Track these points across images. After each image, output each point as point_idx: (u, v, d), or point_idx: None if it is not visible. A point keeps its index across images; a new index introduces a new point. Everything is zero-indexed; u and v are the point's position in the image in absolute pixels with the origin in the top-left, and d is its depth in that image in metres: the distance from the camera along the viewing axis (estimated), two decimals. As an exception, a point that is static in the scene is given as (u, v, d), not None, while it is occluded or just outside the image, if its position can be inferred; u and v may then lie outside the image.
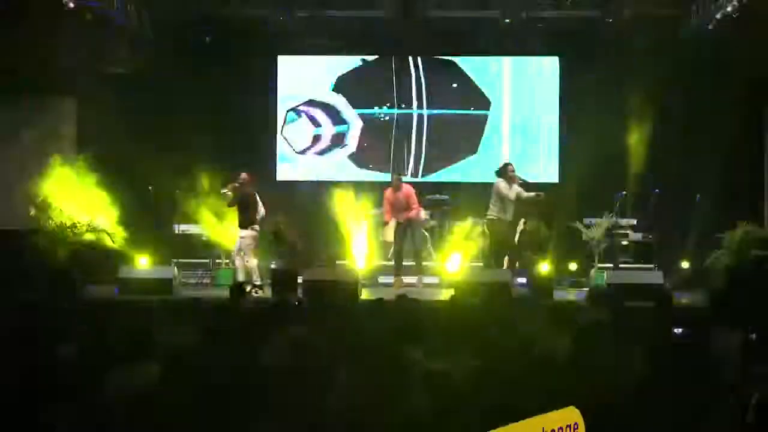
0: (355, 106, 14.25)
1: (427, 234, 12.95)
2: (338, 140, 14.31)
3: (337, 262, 12.76)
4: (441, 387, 3.97)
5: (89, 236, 11.83)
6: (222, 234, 12.33)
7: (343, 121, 14.28)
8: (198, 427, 3.96)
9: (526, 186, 11.53)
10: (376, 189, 13.06)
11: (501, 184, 11.35)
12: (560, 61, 13.83)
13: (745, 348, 4.99)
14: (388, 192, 12.17)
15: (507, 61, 14.07)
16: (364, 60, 14.21)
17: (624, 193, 12.36)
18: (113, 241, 11.90)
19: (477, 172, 13.92)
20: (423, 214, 12.68)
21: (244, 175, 11.63)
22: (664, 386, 3.73)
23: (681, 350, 4.50)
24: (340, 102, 14.25)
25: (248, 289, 10.36)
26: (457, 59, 14.08)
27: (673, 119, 12.78)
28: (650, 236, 12.36)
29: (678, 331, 5.02)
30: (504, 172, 11.43)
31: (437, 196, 13.34)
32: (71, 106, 13.10)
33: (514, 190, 11.29)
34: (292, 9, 12.75)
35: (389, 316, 6.00)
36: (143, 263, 11.76)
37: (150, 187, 12.46)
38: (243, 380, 4.21)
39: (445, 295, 10.79)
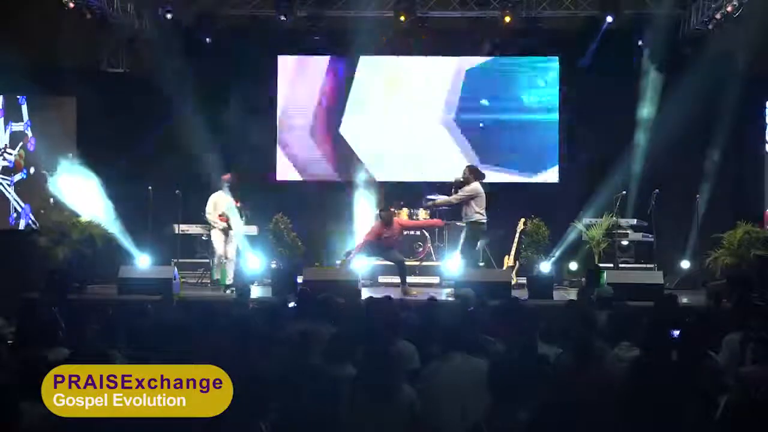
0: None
1: (427, 234, 12.93)
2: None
3: (337, 261, 12.75)
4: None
5: (89, 236, 11.84)
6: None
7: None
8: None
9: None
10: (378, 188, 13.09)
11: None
12: (560, 61, 13.80)
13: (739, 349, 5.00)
14: (377, 226, 11.16)
15: (507, 61, 14.04)
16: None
17: (624, 193, 12.35)
18: (113, 241, 11.89)
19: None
20: (423, 214, 12.65)
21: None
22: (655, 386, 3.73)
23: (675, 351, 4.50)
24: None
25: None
26: (457, 59, 14.07)
27: (672, 119, 12.76)
28: (650, 236, 12.34)
29: (674, 332, 5.02)
30: None
31: (437, 195, 13.29)
32: (71, 106, 13.08)
33: None
34: (292, 9, 12.75)
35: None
36: (143, 263, 11.76)
37: (150, 187, 12.44)
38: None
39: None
